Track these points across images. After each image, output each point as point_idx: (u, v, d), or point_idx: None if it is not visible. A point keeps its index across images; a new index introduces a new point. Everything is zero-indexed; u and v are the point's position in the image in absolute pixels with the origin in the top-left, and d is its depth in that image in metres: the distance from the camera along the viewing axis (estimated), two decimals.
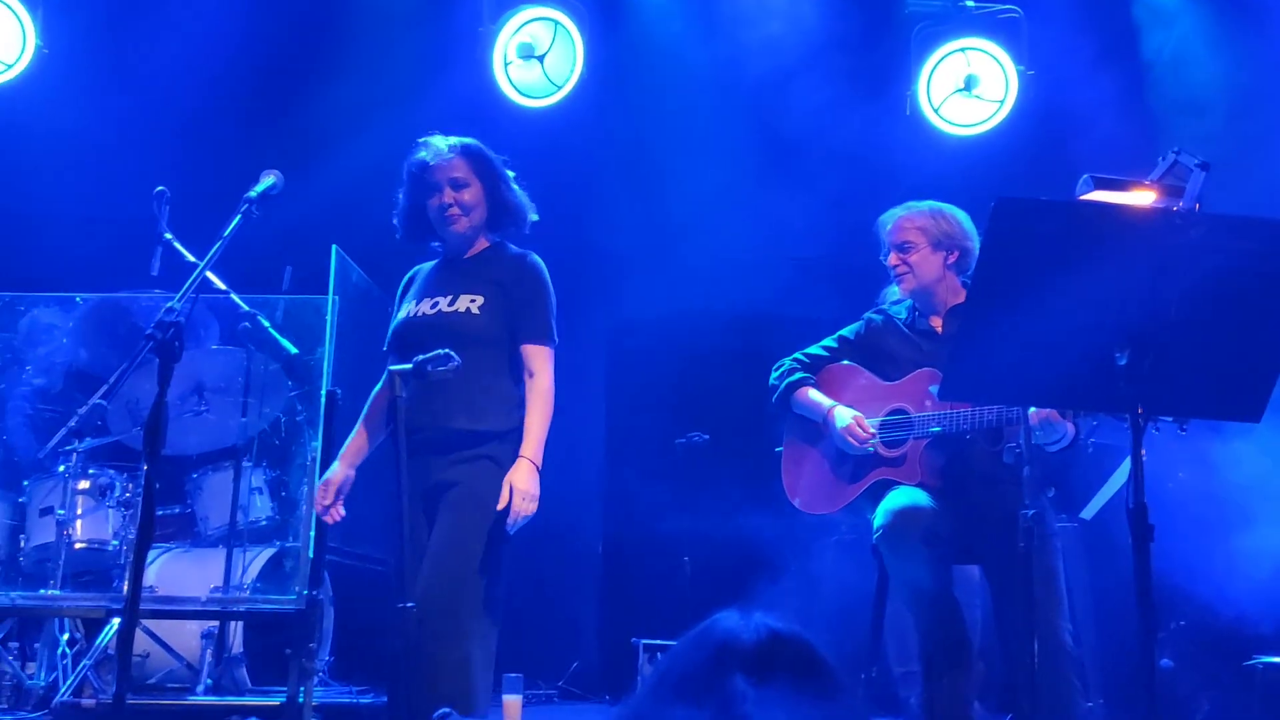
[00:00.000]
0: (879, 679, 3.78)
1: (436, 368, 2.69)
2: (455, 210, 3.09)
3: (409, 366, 2.71)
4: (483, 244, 3.20)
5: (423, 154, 3.12)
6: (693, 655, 1.39)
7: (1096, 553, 4.66)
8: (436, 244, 3.24)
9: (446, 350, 2.77)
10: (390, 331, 3.15)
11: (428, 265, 3.26)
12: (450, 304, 3.05)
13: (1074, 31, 5.53)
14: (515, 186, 3.20)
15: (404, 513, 2.65)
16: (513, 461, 2.96)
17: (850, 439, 3.25)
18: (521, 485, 2.88)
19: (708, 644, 1.41)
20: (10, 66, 5.21)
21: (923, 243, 3.31)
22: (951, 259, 3.32)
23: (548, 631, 5.63)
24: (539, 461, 2.95)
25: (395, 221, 3.24)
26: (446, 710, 2.42)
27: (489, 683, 2.89)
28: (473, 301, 3.04)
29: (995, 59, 5.57)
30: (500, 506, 2.85)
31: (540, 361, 3.05)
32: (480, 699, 2.80)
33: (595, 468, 5.97)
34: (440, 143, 3.13)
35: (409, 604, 2.67)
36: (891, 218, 3.39)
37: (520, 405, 3.06)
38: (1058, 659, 2.89)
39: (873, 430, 3.26)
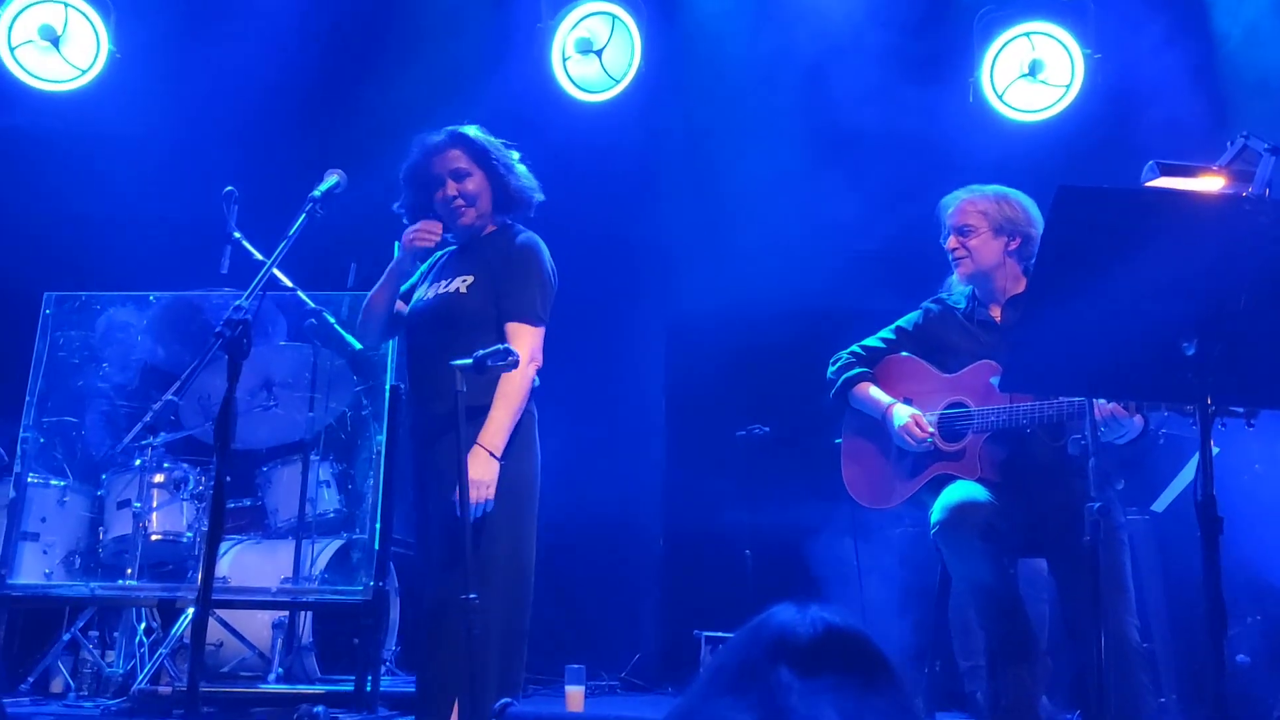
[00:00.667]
0: (943, 673, 3.74)
1: (495, 363, 2.72)
2: (460, 202, 3.10)
3: (469, 361, 2.74)
4: (490, 228, 3.20)
5: (420, 152, 3.14)
6: (748, 648, 1.39)
7: (1169, 546, 4.56)
8: (449, 235, 3.24)
9: (505, 346, 2.79)
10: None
11: (444, 250, 3.27)
12: (446, 285, 3.07)
13: (1142, 13, 5.39)
14: (519, 168, 3.19)
15: (463, 505, 2.68)
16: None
17: (908, 437, 3.23)
18: (474, 475, 2.81)
19: (763, 637, 1.41)
20: (85, 71, 5.35)
21: (984, 227, 3.27)
22: (1013, 245, 3.27)
23: (610, 623, 5.67)
24: (497, 448, 2.86)
25: (404, 222, 3.23)
26: (508, 700, 2.44)
27: (495, 668, 2.84)
28: (463, 281, 3.05)
29: (1061, 43, 5.45)
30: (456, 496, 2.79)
31: (520, 341, 2.97)
32: (487, 689, 2.79)
33: (656, 461, 5.99)
34: (435, 137, 3.14)
35: (472, 595, 2.70)
36: (954, 200, 3.35)
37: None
38: (1124, 654, 2.85)
39: (931, 429, 3.23)
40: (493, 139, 3.19)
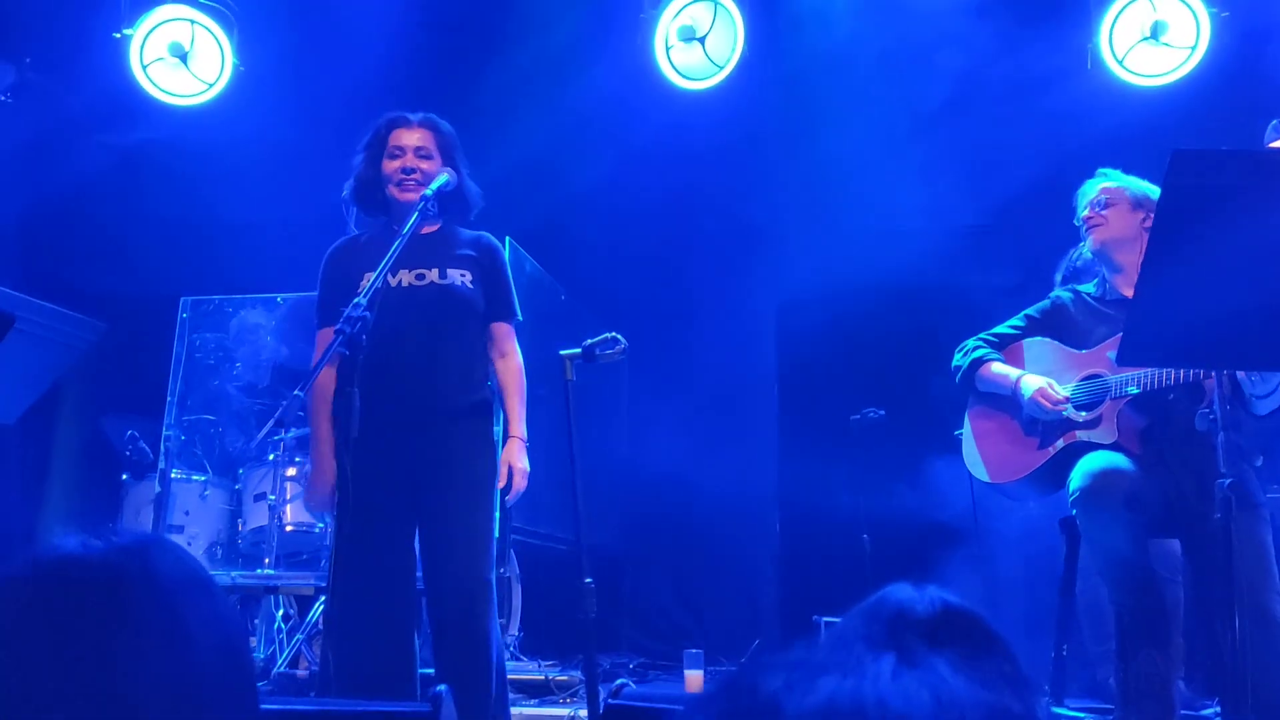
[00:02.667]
0: (1072, 659, 3.64)
1: (604, 351, 2.76)
2: (417, 176, 3.05)
3: (578, 350, 2.79)
4: (433, 225, 3.15)
5: (386, 121, 3.14)
6: (866, 626, 1.40)
7: None
8: (371, 220, 3.18)
9: (614, 334, 2.82)
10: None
11: (365, 238, 3.17)
12: (441, 276, 3.03)
13: None
14: (470, 181, 3.20)
15: (576, 493, 2.73)
16: (491, 430, 3.09)
17: (1043, 401, 3.17)
18: (519, 464, 3.02)
19: (880, 615, 1.41)
20: (212, 85, 5.59)
21: (1122, 200, 3.25)
22: (1148, 222, 3.20)
23: (728, 609, 5.69)
24: (526, 437, 3.06)
25: (348, 187, 3.19)
26: (624, 681, 2.48)
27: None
28: (463, 275, 3.07)
29: (1184, 1, 5.21)
30: (500, 485, 3.00)
31: (511, 341, 3.16)
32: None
33: (770, 446, 5.98)
34: (409, 115, 3.16)
35: (589, 580, 2.75)
36: (1095, 182, 3.35)
37: (489, 378, 3.14)
38: (1269, 631, 2.73)
39: (1065, 395, 3.17)
40: (457, 140, 3.21)
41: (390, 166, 3.08)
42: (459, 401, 3.01)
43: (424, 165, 3.08)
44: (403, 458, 2.97)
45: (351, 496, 2.61)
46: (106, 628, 1.00)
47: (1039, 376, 3.23)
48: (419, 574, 3.05)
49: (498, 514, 3.10)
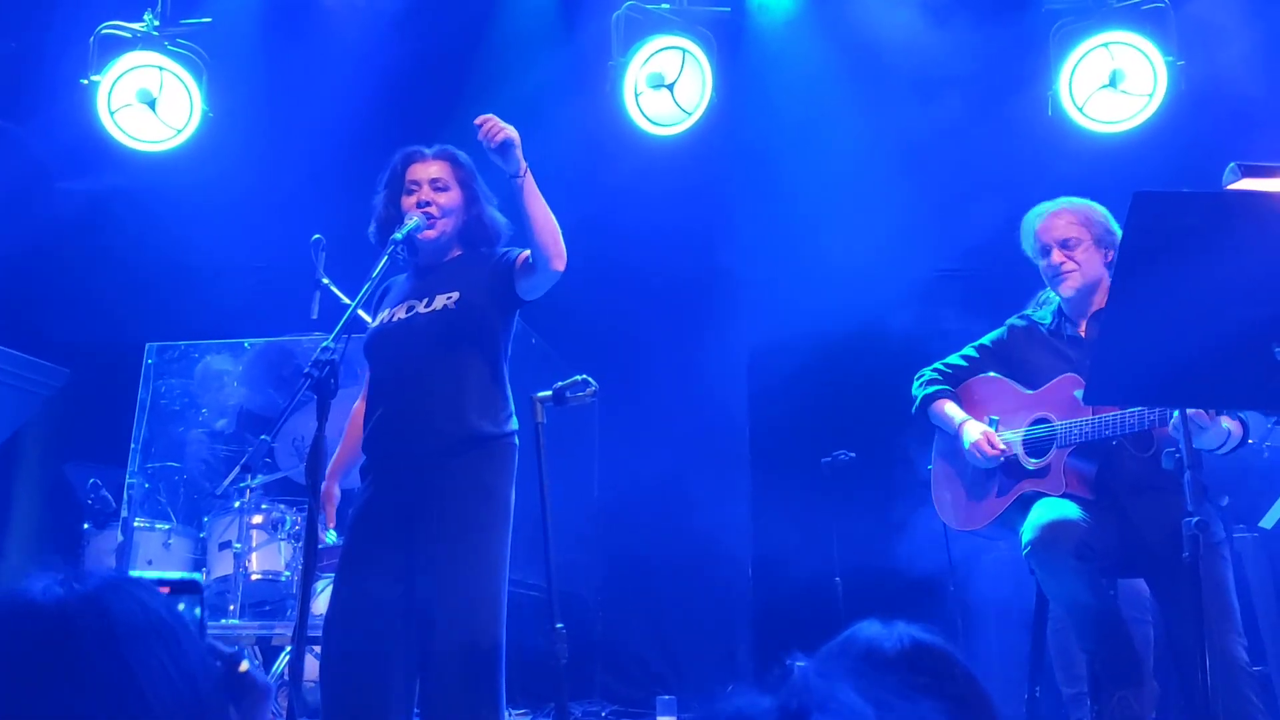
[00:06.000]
0: (1044, 701, 3.64)
1: (575, 393, 2.75)
2: (432, 209, 2.96)
3: (549, 393, 2.78)
4: (456, 252, 3.06)
5: (401, 156, 3.06)
6: (835, 664, 1.39)
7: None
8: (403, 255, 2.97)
9: (585, 377, 2.81)
10: (365, 341, 3.00)
11: (400, 277, 3.13)
12: (427, 305, 2.92)
13: (1227, 14, 5.26)
14: (494, 209, 3.07)
15: (547, 537, 2.71)
16: (497, 471, 2.84)
17: (978, 454, 3.18)
18: (509, 128, 2.75)
19: (849, 653, 1.40)
20: (180, 131, 5.57)
21: (1087, 238, 3.17)
22: (1109, 258, 3.18)
23: (702, 653, 5.64)
24: (526, 170, 2.80)
25: (371, 228, 3.09)
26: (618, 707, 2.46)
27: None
28: (449, 298, 2.90)
29: (1141, 51, 5.33)
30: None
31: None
32: None
33: (742, 490, 5.97)
34: (424, 148, 3.07)
35: (560, 625, 2.72)
36: (1043, 215, 3.24)
37: (506, 407, 2.91)
38: (1231, 674, 2.74)
39: (1003, 446, 3.17)
40: (476, 169, 3.07)
41: (408, 203, 2.98)
42: (449, 435, 2.80)
43: (440, 198, 2.98)
44: (393, 502, 2.84)
45: (320, 544, 2.58)
46: (50, 681, 0.96)
47: (979, 425, 3.23)
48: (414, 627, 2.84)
49: (504, 565, 2.86)
